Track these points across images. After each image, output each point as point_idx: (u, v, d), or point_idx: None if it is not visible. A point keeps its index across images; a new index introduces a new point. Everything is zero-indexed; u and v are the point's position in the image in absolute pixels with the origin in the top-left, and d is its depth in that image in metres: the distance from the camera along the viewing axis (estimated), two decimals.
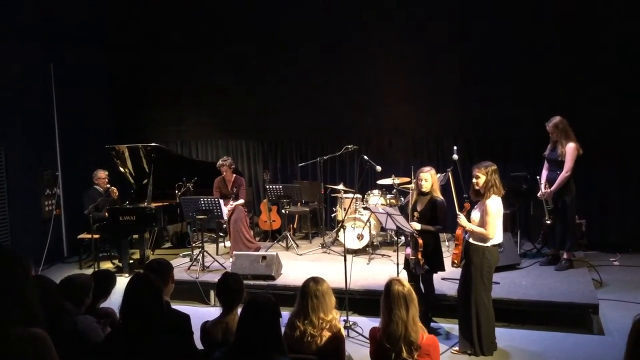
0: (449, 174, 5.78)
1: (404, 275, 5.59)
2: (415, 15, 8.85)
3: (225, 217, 7.87)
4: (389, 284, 3.52)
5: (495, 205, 5.01)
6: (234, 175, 8.33)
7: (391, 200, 8.19)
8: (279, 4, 9.49)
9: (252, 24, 9.63)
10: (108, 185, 8.48)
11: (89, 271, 6.69)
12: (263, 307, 3.07)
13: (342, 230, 7.71)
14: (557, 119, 6.90)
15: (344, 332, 3.88)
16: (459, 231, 5.27)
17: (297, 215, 9.43)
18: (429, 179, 5.60)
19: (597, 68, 8.11)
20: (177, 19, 9.99)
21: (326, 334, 3.65)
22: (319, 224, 9.15)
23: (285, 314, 3.87)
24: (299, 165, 9.30)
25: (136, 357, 2.84)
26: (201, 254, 7.44)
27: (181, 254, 8.49)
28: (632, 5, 7.88)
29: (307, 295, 3.68)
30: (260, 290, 6.32)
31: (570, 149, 6.78)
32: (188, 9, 9.92)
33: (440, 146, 9.19)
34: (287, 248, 8.47)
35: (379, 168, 7.78)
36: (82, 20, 9.51)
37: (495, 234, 5.03)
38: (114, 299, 3.79)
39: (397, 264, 5.95)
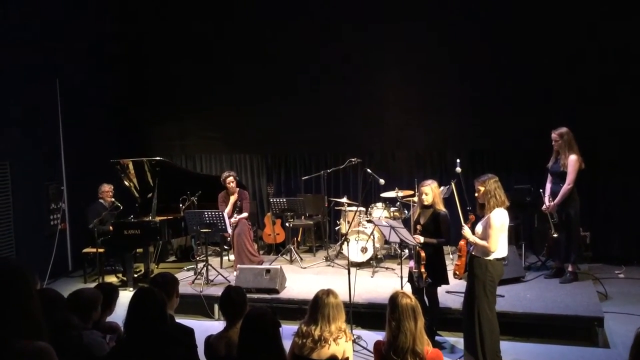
0: (453, 186, 5.78)
1: (407, 289, 5.58)
2: (417, 28, 8.89)
3: (229, 230, 7.87)
4: (395, 297, 3.55)
5: (499, 218, 4.99)
6: (238, 188, 8.35)
7: (395, 213, 8.20)
8: (281, 19, 9.57)
9: (255, 38, 9.70)
10: (112, 200, 8.53)
11: (93, 285, 6.70)
12: (261, 319, 3.11)
13: (345, 243, 7.70)
14: (564, 129, 6.91)
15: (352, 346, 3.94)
16: (462, 242, 5.26)
17: (301, 229, 9.43)
18: (429, 192, 5.62)
19: (599, 81, 8.12)
20: (181, 34, 10.07)
21: (335, 346, 3.74)
22: (323, 237, 9.15)
23: (288, 327, 3.90)
24: (303, 178, 9.32)
25: None
26: (205, 268, 7.45)
27: (185, 268, 8.49)
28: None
29: (320, 305, 3.79)
30: (264, 304, 6.30)
31: (572, 161, 6.79)
32: (192, 24, 10.01)
33: (443, 159, 9.20)
34: (291, 261, 8.47)
35: (382, 181, 7.80)
36: (87, 36, 9.60)
37: (498, 247, 5.01)
38: (119, 313, 3.80)
39: (401, 277, 5.94)
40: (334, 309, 3.80)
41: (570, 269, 7.06)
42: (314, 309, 3.83)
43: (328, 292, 3.89)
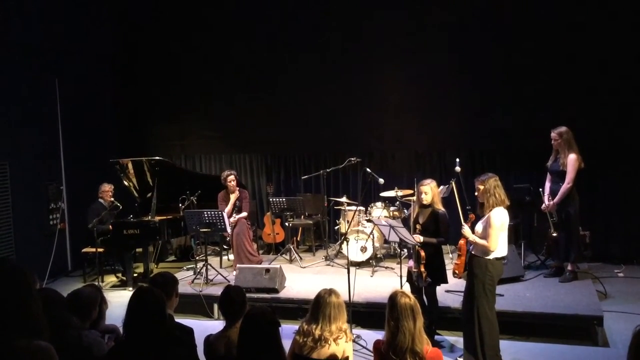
0: (453, 185, 5.78)
1: (407, 288, 5.59)
2: (417, 28, 8.90)
3: (229, 230, 7.86)
4: (394, 296, 3.56)
5: (498, 217, 4.99)
6: (238, 188, 8.35)
7: (394, 213, 8.20)
8: (281, 18, 9.57)
9: (255, 38, 9.71)
10: (112, 199, 8.53)
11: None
12: (261, 318, 3.11)
13: (345, 242, 7.71)
14: (563, 128, 6.92)
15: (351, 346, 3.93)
16: (462, 242, 5.26)
17: (300, 228, 9.43)
18: (429, 191, 5.63)
19: (600, 80, 8.12)
20: (180, 34, 10.08)
21: (335, 346, 3.74)
22: (323, 236, 9.15)
23: (288, 326, 3.90)
24: (302, 178, 9.31)
25: None
26: (205, 267, 7.45)
27: (185, 267, 8.48)
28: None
29: (321, 304, 3.80)
30: (264, 304, 6.30)
31: (571, 160, 6.79)
32: (191, 24, 10.01)
33: (443, 158, 9.19)
34: (291, 261, 8.47)
35: (381, 180, 7.80)
36: (86, 36, 9.62)
37: (497, 246, 5.01)
38: (118, 313, 3.80)
39: (401, 277, 5.94)
40: (335, 309, 3.80)
41: (569, 268, 7.07)
42: (316, 308, 3.83)
43: (330, 292, 3.89)
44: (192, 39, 10.04)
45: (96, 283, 7.55)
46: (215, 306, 6.75)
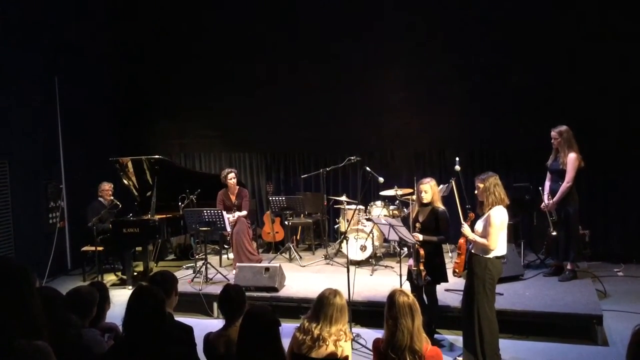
0: (452, 184, 5.78)
1: (406, 287, 5.58)
2: (416, 27, 8.90)
3: (229, 229, 7.86)
4: (393, 295, 3.55)
5: (498, 216, 4.99)
6: (237, 187, 8.35)
7: (394, 212, 8.20)
8: (280, 18, 9.56)
9: (254, 37, 9.69)
10: (112, 198, 8.53)
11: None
12: (261, 317, 3.11)
13: (345, 241, 7.71)
14: (563, 127, 6.92)
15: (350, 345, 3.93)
16: (461, 240, 5.26)
17: (300, 227, 9.43)
18: (428, 190, 5.63)
19: (600, 80, 8.12)
20: (180, 33, 10.06)
21: (335, 346, 3.72)
22: (322, 235, 9.15)
23: (288, 325, 3.89)
24: (302, 176, 9.30)
25: None
26: (204, 266, 7.45)
27: (184, 266, 8.49)
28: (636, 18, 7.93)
29: (324, 304, 3.77)
30: (263, 302, 6.30)
31: (571, 159, 6.79)
32: (191, 24, 10.00)
33: (442, 157, 9.20)
34: (290, 259, 8.47)
35: (381, 179, 7.80)
36: (86, 35, 9.60)
37: (497, 245, 5.01)
38: (118, 312, 3.80)
39: (400, 275, 5.94)
40: (337, 311, 3.75)
41: (569, 267, 7.07)
42: (318, 307, 3.79)
43: (335, 293, 3.83)
44: (191, 38, 10.02)
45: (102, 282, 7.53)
46: (215, 305, 6.75)
